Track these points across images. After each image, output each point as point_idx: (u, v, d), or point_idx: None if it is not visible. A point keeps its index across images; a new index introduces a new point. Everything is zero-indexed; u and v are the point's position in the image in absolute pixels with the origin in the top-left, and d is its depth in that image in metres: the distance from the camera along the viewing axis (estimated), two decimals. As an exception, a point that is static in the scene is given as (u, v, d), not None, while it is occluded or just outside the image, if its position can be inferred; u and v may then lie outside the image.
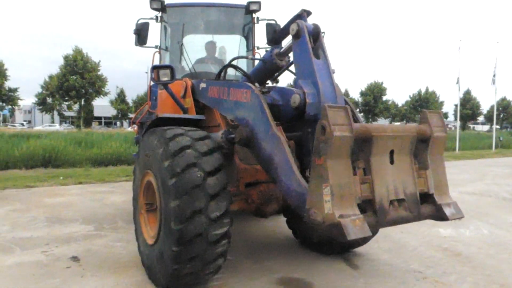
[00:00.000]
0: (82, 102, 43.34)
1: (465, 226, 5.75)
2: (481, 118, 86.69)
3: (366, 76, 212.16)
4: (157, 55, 5.79)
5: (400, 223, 2.87)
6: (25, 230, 5.18)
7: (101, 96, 42.98)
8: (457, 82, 24.05)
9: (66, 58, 39.82)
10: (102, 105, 62.23)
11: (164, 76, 4.24)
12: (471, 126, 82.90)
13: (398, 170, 2.82)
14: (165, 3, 5.65)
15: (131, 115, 59.68)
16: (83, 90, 40.10)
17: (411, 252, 4.55)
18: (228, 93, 3.70)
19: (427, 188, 2.96)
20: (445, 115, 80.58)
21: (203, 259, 3.06)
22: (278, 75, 3.93)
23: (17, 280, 3.60)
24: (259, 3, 5.35)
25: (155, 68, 4.29)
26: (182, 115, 4.39)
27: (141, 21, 5.59)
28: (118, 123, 67.11)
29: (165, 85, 4.39)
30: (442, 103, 72.54)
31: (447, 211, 2.92)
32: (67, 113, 55.53)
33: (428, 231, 5.44)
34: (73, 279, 3.61)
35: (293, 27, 3.35)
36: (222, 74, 4.31)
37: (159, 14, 5.77)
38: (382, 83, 63.17)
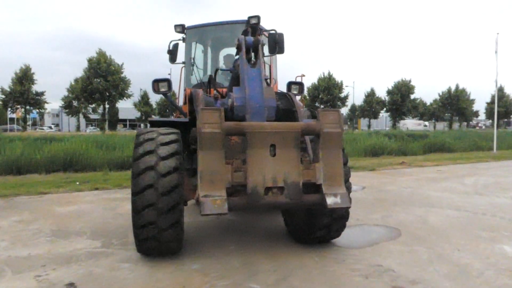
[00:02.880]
0: (106, 105, 43.61)
1: (534, 243, 4.82)
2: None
3: (393, 74, 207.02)
4: (184, 69, 6.74)
5: (279, 207, 3.65)
6: (25, 247, 4.61)
7: (125, 98, 43.13)
8: (496, 79, 22.44)
9: (90, 61, 40.09)
10: (126, 108, 62.81)
11: (163, 88, 4.92)
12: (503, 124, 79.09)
13: (280, 162, 3.23)
14: (186, 26, 6.49)
15: (155, 118, 59.95)
16: (106, 93, 40.29)
17: (478, 278, 3.69)
18: (197, 99, 4.38)
19: (315, 179, 3.30)
20: (476, 114, 77.58)
21: (157, 226, 3.74)
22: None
23: (-1, 315, 3.00)
24: (257, 17, 5.66)
25: (155, 81, 4.91)
26: (165, 119, 5.46)
27: (173, 42, 6.55)
28: (142, 125, 67.59)
29: (165, 94, 5.05)
30: (473, 101, 69.55)
31: (330, 200, 3.20)
32: (93, 116, 56.20)
33: (490, 249, 4.54)
34: (64, 315, 2.98)
35: (236, 42, 4.09)
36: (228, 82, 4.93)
37: (184, 35, 6.60)
38: (410, 81, 61.02)
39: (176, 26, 6.35)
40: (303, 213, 4.29)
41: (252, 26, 4.61)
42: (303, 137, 3.88)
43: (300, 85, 5.26)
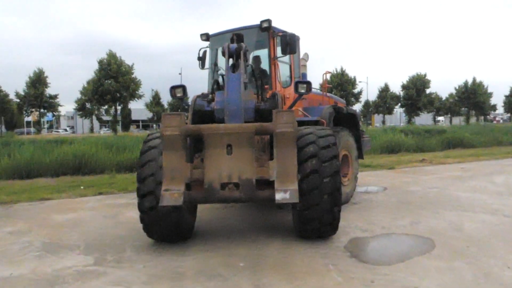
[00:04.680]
0: (118, 106, 43.40)
1: None
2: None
3: (407, 69, 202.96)
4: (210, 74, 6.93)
5: (233, 201, 3.82)
6: (9, 265, 4.10)
7: (136, 99, 42.84)
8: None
9: (100, 62, 39.90)
10: (139, 109, 62.70)
11: (178, 93, 5.29)
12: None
13: (235, 160, 3.53)
14: (210, 34, 6.81)
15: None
16: (117, 94, 40.01)
17: (539, 306, 3.03)
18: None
19: (268, 175, 3.57)
20: (494, 107, 75.23)
21: (157, 211, 4.16)
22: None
23: None
24: (268, 20, 5.92)
25: (171, 88, 5.34)
26: None
27: (202, 49, 6.91)
28: (154, 125, 67.61)
29: (181, 99, 5.42)
30: (490, 94, 67.52)
31: (279, 195, 3.42)
32: (106, 118, 56.22)
33: (544, 264, 3.85)
34: None
35: (221, 49, 4.54)
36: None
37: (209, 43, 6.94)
38: (425, 75, 59.46)
39: (201, 35, 6.78)
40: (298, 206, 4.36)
41: (237, 34, 4.93)
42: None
43: (308, 84, 5.34)
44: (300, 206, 4.25)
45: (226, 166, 3.60)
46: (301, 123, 5.19)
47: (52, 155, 12.72)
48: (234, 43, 4.74)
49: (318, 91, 8.12)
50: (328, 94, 8.36)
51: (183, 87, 5.33)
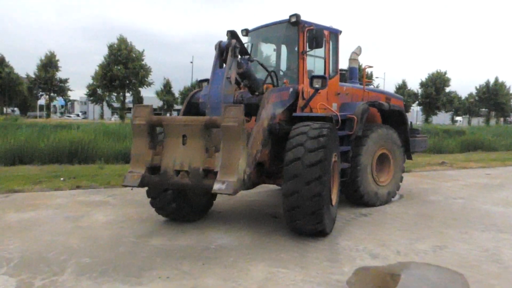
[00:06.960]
0: (127, 93, 42.60)
1: None
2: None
3: (426, 66, 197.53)
4: None
5: (183, 188, 4.25)
6: None
7: (145, 86, 41.93)
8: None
9: (110, 47, 39.07)
10: (151, 97, 62.06)
11: (205, 86, 5.48)
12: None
13: (188, 150, 3.93)
14: (249, 29, 6.96)
15: (178, 107, 58.93)
16: (126, 80, 39.17)
17: None
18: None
19: (213, 166, 3.82)
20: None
21: (162, 200, 4.93)
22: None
23: None
24: (296, 15, 5.93)
25: (199, 81, 6.21)
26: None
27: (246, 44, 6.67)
28: (168, 114, 67.02)
29: None
30: (513, 95, 64.92)
31: (216, 185, 3.62)
32: (117, 105, 55.62)
33: None
34: None
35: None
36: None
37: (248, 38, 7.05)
38: (445, 73, 57.21)
39: (242, 30, 6.94)
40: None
41: (231, 31, 5.06)
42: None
43: (323, 78, 5.46)
44: (283, 192, 4.46)
45: (180, 154, 3.90)
46: (309, 119, 5.17)
47: (47, 141, 11.91)
48: (228, 40, 4.83)
49: (361, 86, 7.64)
50: (382, 90, 8.19)
51: (207, 82, 5.59)
